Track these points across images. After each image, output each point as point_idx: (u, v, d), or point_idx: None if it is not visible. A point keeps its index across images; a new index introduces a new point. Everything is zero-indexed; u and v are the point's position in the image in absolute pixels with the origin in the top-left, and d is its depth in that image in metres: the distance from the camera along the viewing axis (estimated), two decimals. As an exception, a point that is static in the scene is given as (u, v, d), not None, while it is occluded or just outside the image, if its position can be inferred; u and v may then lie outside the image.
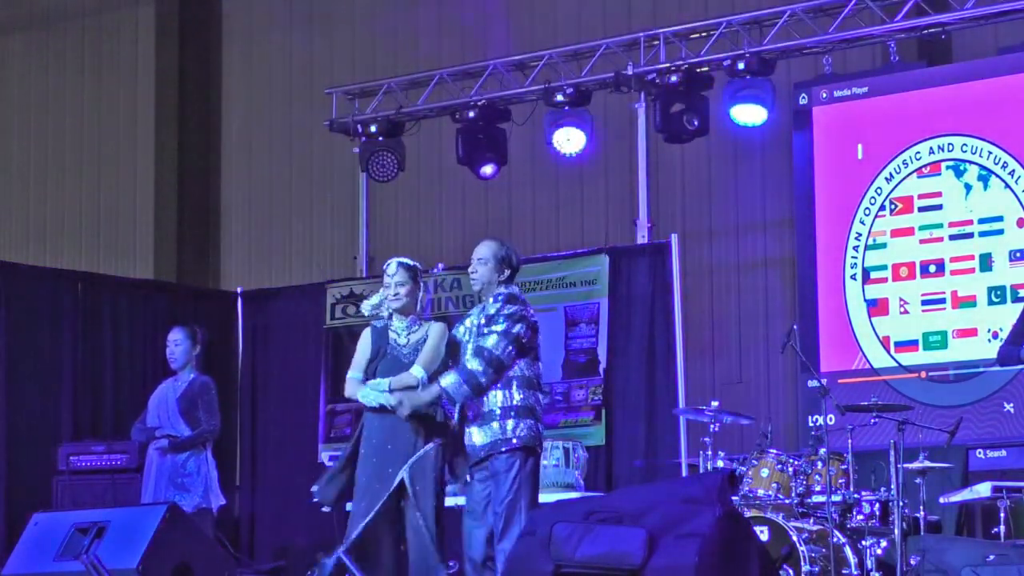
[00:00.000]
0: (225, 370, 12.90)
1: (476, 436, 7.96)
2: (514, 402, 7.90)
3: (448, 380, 7.83)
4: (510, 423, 7.88)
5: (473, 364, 7.82)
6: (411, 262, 8.18)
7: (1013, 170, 11.31)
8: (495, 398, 7.91)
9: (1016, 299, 11.07)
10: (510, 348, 7.85)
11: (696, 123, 11.98)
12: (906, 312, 11.64)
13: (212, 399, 10.10)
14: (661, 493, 7.31)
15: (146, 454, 10.19)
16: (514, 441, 7.86)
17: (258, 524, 13.13)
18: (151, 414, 10.16)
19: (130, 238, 15.76)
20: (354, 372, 8.12)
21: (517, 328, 7.89)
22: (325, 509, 8.22)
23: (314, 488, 8.19)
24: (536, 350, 8.05)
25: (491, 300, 8.01)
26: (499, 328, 7.86)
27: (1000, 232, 11.36)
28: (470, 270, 8.12)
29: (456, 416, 8.07)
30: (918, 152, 11.69)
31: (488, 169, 12.97)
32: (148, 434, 10.10)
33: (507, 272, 8.07)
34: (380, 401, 7.94)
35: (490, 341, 7.85)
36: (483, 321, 7.97)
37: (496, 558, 7.86)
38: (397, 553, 7.99)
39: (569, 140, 12.51)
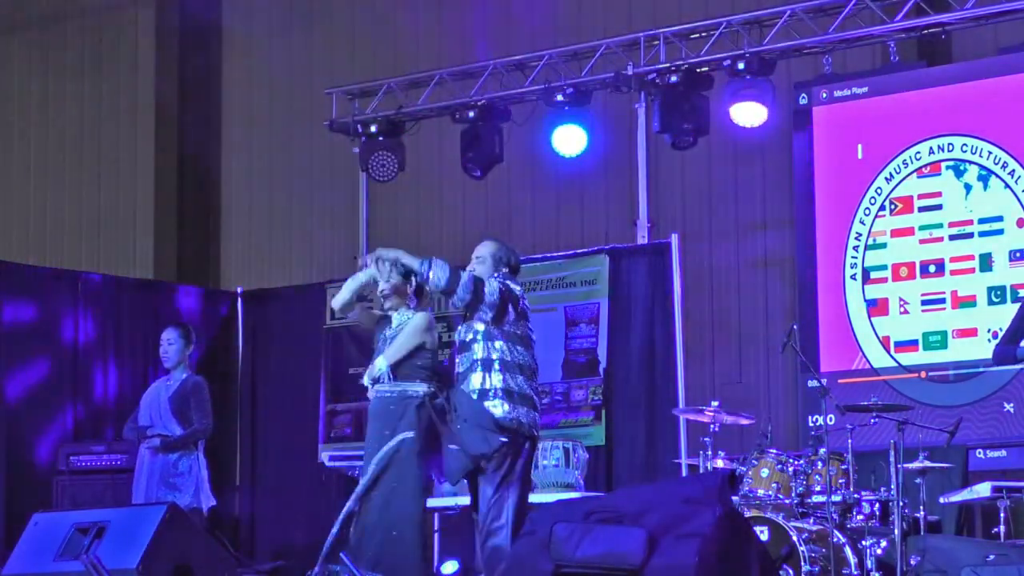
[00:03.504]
0: (225, 370, 12.91)
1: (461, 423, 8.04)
2: (492, 384, 7.92)
3: (438, 261, 8.01)
4: (488, 404, 7.92)
5: (463, 274, 7.98)
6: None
7: (1013, 170, 11.30)
8: (474, 380, 7.95)
9: (1016, 299, 11.06)
10: (496, 294, 7.95)
11: (692, 138, 11.99)
12: (906, 312, 11.64)
13: (205, 398, 10.11)
14: (661, 493, 7.31)
15: (137, 453, 10.21)
16: (499, 424, 7.89)
17: (258, 524, 13.13)
18: (143, 413, 10.18)
19: (130, 238, 15.76)
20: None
21: (507, 295, 7.95)
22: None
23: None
24: (527, 340, 8.07)
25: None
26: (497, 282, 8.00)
27: (1000, 232, 11.36)
28: (468, 268, 8.19)
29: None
30: (918, 152, 11.69)
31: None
32: (139, 433, 10.11)
33: (504, 271, 8.14)
34: (357, 282, 8.21)
35: (486, 279, 8.03)
36: None
37: (484, 552, 7.90)
38: (393, 542, 8.02)
39: (569, 140, 12.48)
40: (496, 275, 8.12)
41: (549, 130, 12.50)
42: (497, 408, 7.93)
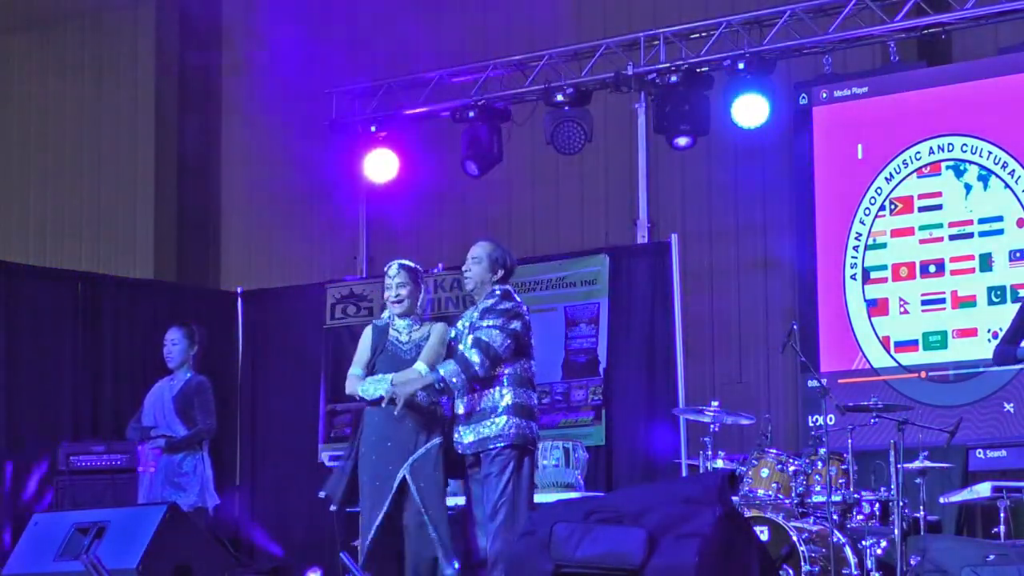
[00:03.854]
0: (225, 370, 12.90)
1: (467, 435, 7.96)
2: (505, 401, 7.91)
3: (446, 369, 7.85)
4: (501, 420, 7.89)
5: (472, 355, 7.84)
6: (411, 264, 8.26)
7: (1013, 170, 11.31)
8: (486, 396, 7.92)
9: (1016, 299, 11.06)
10: (508, 342, 7.88)
11: (692, 139, 12.00)
12: (906, 312, 11.64)
13: (208, 399, 10.11)
14: (661, 493, 7.31)
15: (139, 453, 10.21)
16: (502, 441, 7.87)
17: (258, 524, 13.12)
18: (147, 413, 10.18)
19: (130, 238, 15.75)
20: (355, 369, 8.19)
21: (514, 324, 7.91)
22: (332, 508, 8.24)
23: (321, 492, 8.24)
24: (530, 349, 8.07)
25: (485, 297, 8.04)
26: (497, 323, 7.88)
27: (1000, 232, 11.36)
28: (463, 268, 8.16)
29: (450, 411, 8.11)
30: (918, 152, 11.69)
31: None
32: (143, 433, 10.11)
33: (500, 272, 8.09)
34: (380, 393, 7.97)
35: (489, 335, 7.86)
36: (477, 316, 7.98)
37: (488, 559, 7.88)
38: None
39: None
40: (493, 302, 7.99)
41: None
42: (511, 426, 7.89)
